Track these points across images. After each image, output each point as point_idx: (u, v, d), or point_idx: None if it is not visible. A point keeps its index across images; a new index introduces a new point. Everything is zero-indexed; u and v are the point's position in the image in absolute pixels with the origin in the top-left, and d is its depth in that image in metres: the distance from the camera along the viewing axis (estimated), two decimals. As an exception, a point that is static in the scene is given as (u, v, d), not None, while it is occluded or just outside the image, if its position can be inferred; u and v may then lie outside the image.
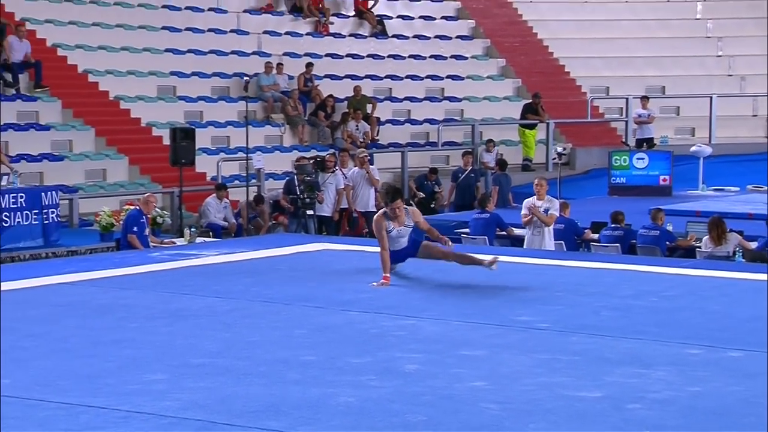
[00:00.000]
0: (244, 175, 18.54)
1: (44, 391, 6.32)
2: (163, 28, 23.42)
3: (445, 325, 8.40)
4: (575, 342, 7.80)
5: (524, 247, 13.85)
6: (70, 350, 7.41)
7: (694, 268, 11.19)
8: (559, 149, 18.41)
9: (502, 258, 11.41)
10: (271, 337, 7.88)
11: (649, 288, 9.97)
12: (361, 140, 22.26)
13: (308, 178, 16.57)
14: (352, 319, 8.53)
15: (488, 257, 9.96)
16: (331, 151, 19.98)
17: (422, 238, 10.32)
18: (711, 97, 25.06)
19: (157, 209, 15.44)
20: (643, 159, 20.33)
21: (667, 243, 14.06)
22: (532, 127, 23.65)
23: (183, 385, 6.50)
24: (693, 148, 20.95)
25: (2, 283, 9.85)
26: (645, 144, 23.35)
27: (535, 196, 13.95)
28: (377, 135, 23.08)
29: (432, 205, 20.05)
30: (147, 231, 14.06)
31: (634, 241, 14.19)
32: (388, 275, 9.80)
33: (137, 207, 14.38)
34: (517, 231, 14.84)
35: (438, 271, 10.39)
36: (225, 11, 24.98)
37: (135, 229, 13.78)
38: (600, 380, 6.74)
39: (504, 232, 15.16)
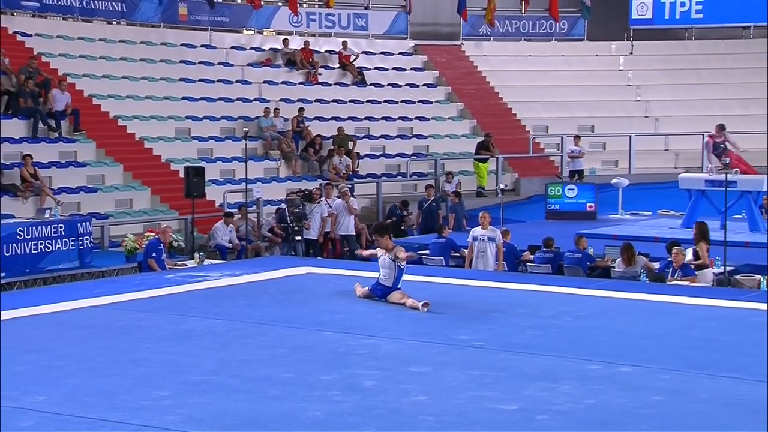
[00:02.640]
0: (245, 202, 18.64)
1: (73, 407, 6.54)
2: (181, 79, 23.64)
3: (400, 343, 8.57)
4: (502, 359, 8.03)
5: (472, 267, 14.10)
6: (95, 369, 7.58)
7: (604, 289, 11.41)
8: (502, 186, 18.73)
9: (451, 281, 11.76)
10: (258, 355, 8.07)
11: (567, 308, 10.15)
12: (344, 172, 22.48)
13: (297, 210, 16.76)
14: (324, 339, 8.71)
15: (423, 302, 9.92)
16: (318, 184, 20.19)
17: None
18: (630, 135, 25.40)
19: (173, 236, 15.63)
20: (573, 189, 20.61)
21: (588, 264, 14.33)
22: (484, 160, 23.92)
23: (184, 401, 6.72)
24: (613, 181, 21.20)
25: (44, 306, 10.15)
26: (577, 175, 23.64)
27: (480, 226, 14.27)
28: (357, 167, 23.26)
29: (402, 227, 20.33)
30: (164, 256, 14.29)
31: (562, 262, 14.47)
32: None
33: (157, 236, 14.60)
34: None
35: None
36: (232, 65, 25.22)
37: (154, 254, 14.04)
38: (517, 394, 6.99)
39: (457, 254, 15.42)
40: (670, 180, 22.83)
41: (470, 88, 27.62)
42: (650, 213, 20.92)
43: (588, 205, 20.29)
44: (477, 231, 14.24)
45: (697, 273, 12.99)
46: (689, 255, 13.55)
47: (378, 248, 10.48)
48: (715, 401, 6.82)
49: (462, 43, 29.18)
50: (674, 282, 12.58)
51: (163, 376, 7.36)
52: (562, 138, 25.17)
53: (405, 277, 11.39)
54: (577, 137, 24.26)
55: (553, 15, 29.42)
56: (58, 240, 14.40)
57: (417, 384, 7.21)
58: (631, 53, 29.27)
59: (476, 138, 25.28)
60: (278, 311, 9.94)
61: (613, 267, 13.94)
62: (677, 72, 28.21)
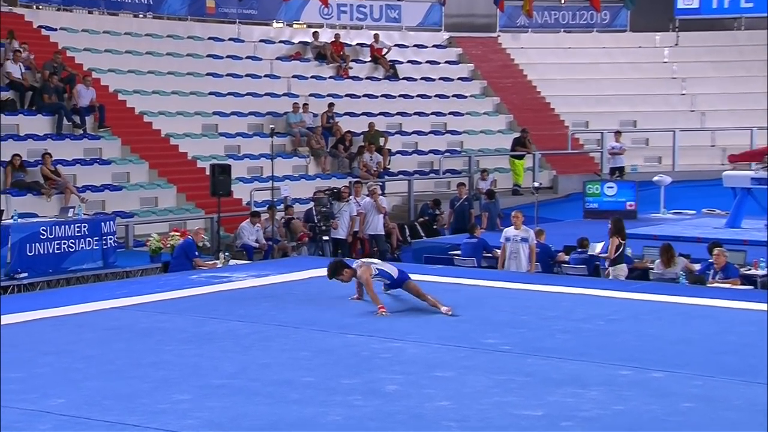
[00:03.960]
0: (272, 201, 18.76)
1: (91, 410, 6.72)
2: (208, 74, 23.87)
3: (425, 347, 8.67)
4: (529, 363, 8.10)
5: (504, 268, 14.18)
6: (115, 371, 7.76)
7: (640, 291, 11.44)
8: (536, 184, 18.78)
9: (482, 282, 11.85)
10: (280, 359, 8.21)
11: (599, 312, 10.21)
12: (375, 169, 22.60)
13: (324, 209, 16.92)
14: (348, 342, 8.83)
15: (445, 308, 9.96)
16: (348, 182, 20.30)
17: (408, 276, 10.42)
18: (674, 131, 25.27)
19: (203, 237, 15.87)
20: (612, 187, 20.59)
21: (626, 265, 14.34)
22: (520, 157, 23.94)
23: (204, 404, 6.87)
24: (655, 178, 21.13)
25: (66, 307, 10.40)
26: (618, 172, 23.60)
27: (513, 226, 14.36)
28: (388, 164, 23.35)
29: (434, 227, 20.46)
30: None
31: (598, 263, 14.48)
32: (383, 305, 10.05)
33: (190, 237, 14.88)
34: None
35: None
36: (260, 59, 25.44)
37: (197, 254, 14.34)
38: (543, 400, 7.06)
39: (490, 254, 15.47)
40: (716, 177, 22.65)
41: (507, 81, 27.64)
42: (694, 212, 20.83)
43: (628, 203, 20.26)
44: (510, 231, 14.34)
45: (610, 268, 13.39)
46: (599, 247, 14.05)
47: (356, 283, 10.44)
48: (748, 408, 6.85)
49: (498, 35, 29.19)
50: (714, 284, 12.56)
51: (183, 379, 7.53)
52: (602, 134, 25.13)
53: (434, 278, 11.58)
54: (618, 133, 24.23)
55: (594, 5, 29.29)
56: (82, 239, 14.71)
57: (440, 389, 7.32)
58: (676, 44, 29.10)
59: (512, 134, 25.30)
60: (302, 313, 10.08)
61: (652, 269, 13.94)
62: (725, 64, 28.00)
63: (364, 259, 10.42)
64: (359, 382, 7.49)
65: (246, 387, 7.33)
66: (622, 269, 13.54)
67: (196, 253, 14.44)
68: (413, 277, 10.45)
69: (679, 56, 28.70)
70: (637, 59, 28.48)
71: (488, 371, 7.85)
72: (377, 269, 10.21)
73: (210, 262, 14.58)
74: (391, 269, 10.36)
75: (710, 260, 13.13)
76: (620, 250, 13.54)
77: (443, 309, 9.92)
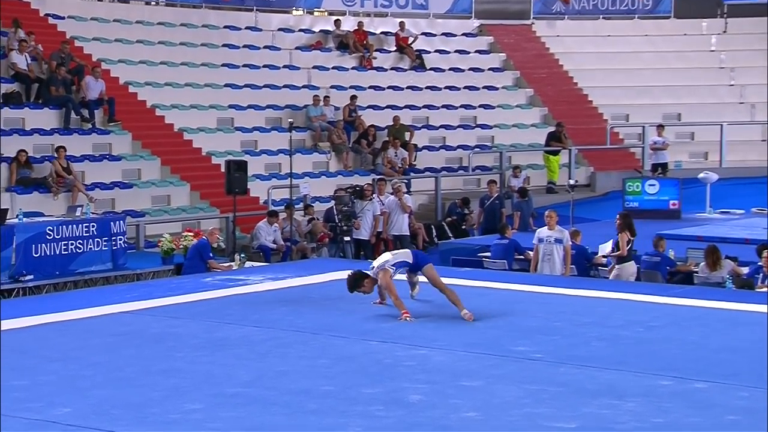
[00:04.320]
0: (291, 199, 18.82)
1: (99, 420, 6.80)
2: (223, 65, 24.01)
3: (452, 355, 8.71)
4: (563, 373, 8.12)
5: (537, 271, 14.19)
6: (124, 379, 7.85)
7: (683, 296, 11.41)
8: (572, 182, 18.77)
9: (513, 286, 11.86)
10: (298, 366, 8.27)
11: (638, 318, 10.21)
12: (400, 166, 22.64)
13: (345, 208, 17.00)
14: (370, 349, 8.87)
15: (466, 312, 9.97)
16: (371, 179, 20.34)
17: (429, 260, 10.58)
18: (722, 124, 25.13)
19: (219, 237, 15.97)
20: (654, 185, 20.53)
21: (668, 268, 14.29)
22: (555, 153, 23.92)
23: (217, 414, 6.94)
24: (701, 175, 21.07)
25: (74, 311, 10.52)
26: (660, 168, 23.51)
27: (546, 226, 14.36)
28: (414, 161, 23.41)
29: (463, 227, 20.47)
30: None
31: (639, 266, 14.42)
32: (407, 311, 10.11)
33: (205, 237, 15.00)
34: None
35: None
36: (279, 49, 25.55)
37: (211, 255, 14.44)
38: (578, 411, 7.08)
39: (522, 256, 15.46)
40: (766, 174, 22.58)
41: (541, 72, 27.59)
42: (743, 211, 20.74)
43: (671, 202, 20.23)
44: (543, 232, 14.34)
45: (617, 266, 13.38)
46: (608, 246, 14.00)
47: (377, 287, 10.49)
48: (797, 422, 6.83)
49: (532, 23, 29.14)
50: (763, 289, 12.50)
51: (196, 388, 7.60)
52: (644, 127, 25.02)
53: (463, 281, 11.61)
54: (660, 126, 24.13)
55: (635, -11, 29.25)
56: (90, 240, 14.86)
57: (467, 399, 7.35)
58: (724, 31, 28.98)
59: (547, 128, 25.25)
60: (321, 318, 10.14)
61: (696, 272, 13.90)
62: (776, 52, 27.80)
63: (377, 263, 10.40)
64: (381, 391, 7.54)
65: (262, 396, 7.39)
66: (630, 267, 13.48)
67: (211, 255, 14.55)
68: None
69: (727, 44, 28.54)
70: (681, 48, 28.35)
71: (518, 381, 7.88)
72: (393, 266, 10.23)
73: (225, 264, 14.70)
74: (406, 255, 10.44)
75: (759, 263, 13.07)
76: (630, 246, 13.52)
77: (464, 313, 9.94)
